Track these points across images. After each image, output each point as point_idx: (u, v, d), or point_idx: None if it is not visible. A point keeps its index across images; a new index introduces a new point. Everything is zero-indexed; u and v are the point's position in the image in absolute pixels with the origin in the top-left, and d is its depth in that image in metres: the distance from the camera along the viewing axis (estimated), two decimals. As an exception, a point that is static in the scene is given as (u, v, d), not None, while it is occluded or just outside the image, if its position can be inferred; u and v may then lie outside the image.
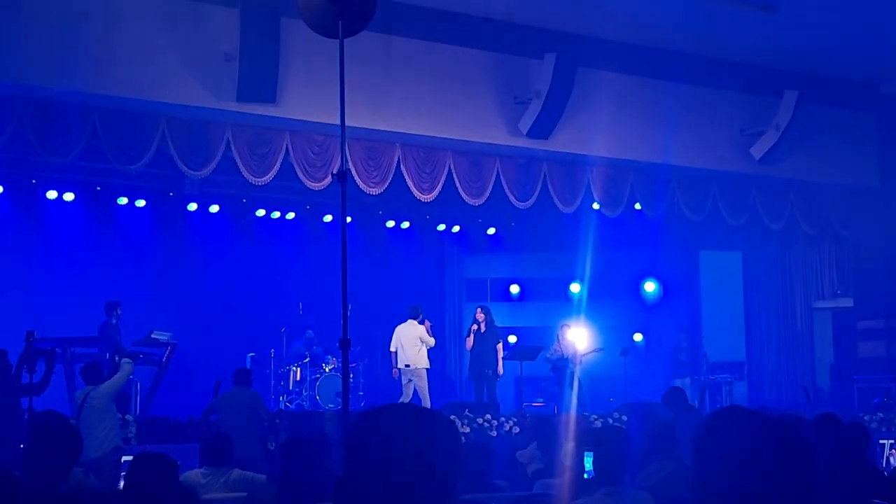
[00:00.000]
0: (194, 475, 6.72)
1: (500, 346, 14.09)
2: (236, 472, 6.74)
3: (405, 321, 13.66)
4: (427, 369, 13.54)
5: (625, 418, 12.66)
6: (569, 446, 6.87)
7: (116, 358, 10.05)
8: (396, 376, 13.55)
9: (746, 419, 2.07)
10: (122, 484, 8.32)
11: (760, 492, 1.97)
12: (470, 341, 14.32)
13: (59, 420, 4.84)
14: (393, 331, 13.70)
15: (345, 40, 6.27)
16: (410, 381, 13.29)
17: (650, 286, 17.82)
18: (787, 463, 2.00)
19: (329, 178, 11.70)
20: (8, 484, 2.61)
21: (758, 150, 14.53)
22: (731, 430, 2.06)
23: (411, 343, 13.44)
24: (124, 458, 9.13)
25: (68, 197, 14.02)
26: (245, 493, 6.42)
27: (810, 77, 14.56)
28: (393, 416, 1.85)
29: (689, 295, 18.00)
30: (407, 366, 13.34)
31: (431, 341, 13.67)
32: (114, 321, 12.27)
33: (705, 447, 2.07)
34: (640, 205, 14.63)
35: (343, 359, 5.71)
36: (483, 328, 14.17)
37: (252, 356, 14.89)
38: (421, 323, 13.70)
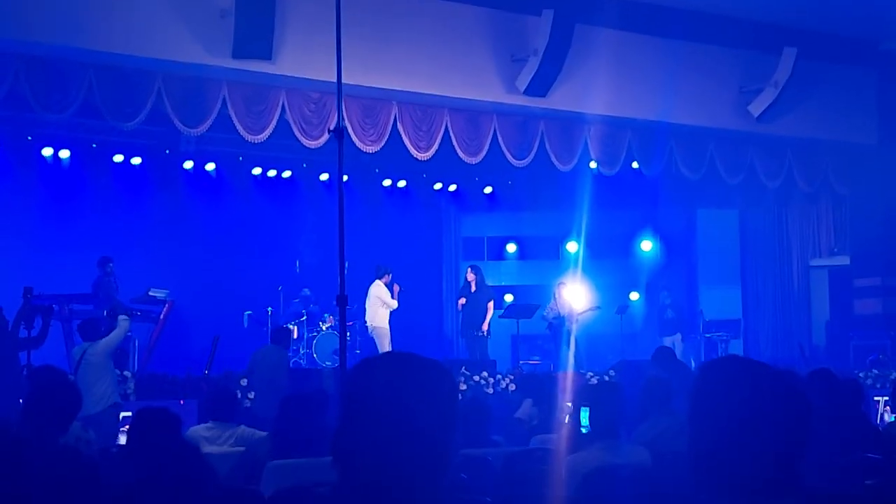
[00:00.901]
0: (200, 430, 6.75)
1: (490, 304, 14.15)
2: (242, 429, 6.76)
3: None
4: (383, 328, 13.59)
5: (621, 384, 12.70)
6: (566, 404, 6.92)
7: (114, 313, 10.07)
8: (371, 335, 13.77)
9: (744, 367, 2.08)
10: (120, 439, 8.41)
11: (755, 439, 1.99)
12: (462, 301, 14.40)
13: (58, 375, 4.89)
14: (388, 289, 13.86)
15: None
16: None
17: (647, 245, 17.84)
18: (783, 411, 2.02)
19: (325, 136, 11.67)
20: (7, 436, 2.63)
21: (756, 108, 14.48)
22: (728, 377, 2.07)
23: (371, 302, 13.60)
24: (122, 414, 9.19)
25: (64, 154, 13.98)
26: (243, 448, 6.46)
27: (809, 34, 14.47)
28: (389, 365, 1.86)
29: (685, 253, 18.05)
30: (367, 323, 13.60)
31: (392, 304, 13.72)
32: (108, 276, 12.28)
33: (702, 394, 2.08)
34: (638, 163, 14.61)
35: (340, 314, 5.75)
36: (473, 287, 14.23)
37: (249, 314, 14.94)
38: (389, 285, 13.80)
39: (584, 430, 4.98)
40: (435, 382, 1.85)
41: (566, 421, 6.78)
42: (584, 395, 5.20)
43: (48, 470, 2.83)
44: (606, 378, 12.64)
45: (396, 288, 13.96)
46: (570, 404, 7.56)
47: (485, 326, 14.02)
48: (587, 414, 4.96)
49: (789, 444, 2.02)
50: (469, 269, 14.61)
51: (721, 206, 17.53)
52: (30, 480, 2.66)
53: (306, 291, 15.24)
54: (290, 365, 13.63)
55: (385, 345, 13.51)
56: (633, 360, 13.13)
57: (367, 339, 15.08)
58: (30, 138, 13.47)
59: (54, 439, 4.36)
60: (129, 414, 8.85)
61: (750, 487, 1.99)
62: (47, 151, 13.85)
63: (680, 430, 5.62)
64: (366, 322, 13.75)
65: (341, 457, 1.82)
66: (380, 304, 13.57)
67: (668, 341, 15.31)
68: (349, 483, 1.84)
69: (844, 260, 16.84)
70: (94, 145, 13.91)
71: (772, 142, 15.21)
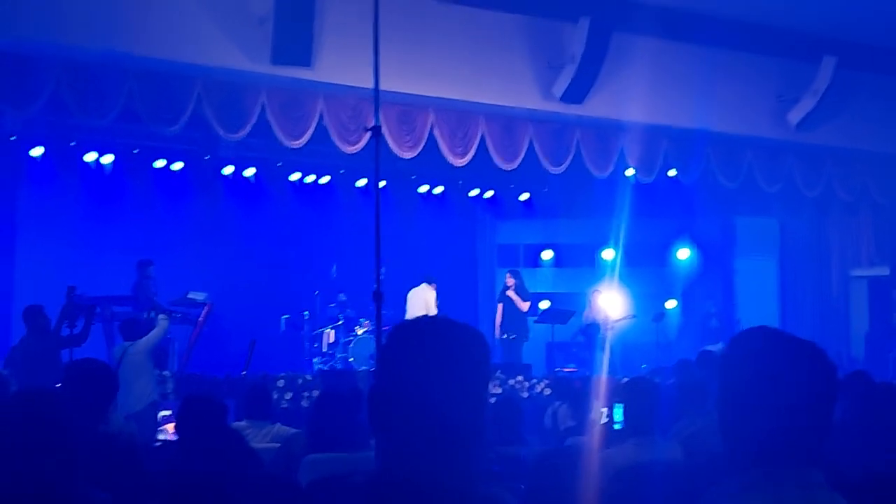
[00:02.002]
0: (237, 426, 6.84)
1: (526, 304, 14.21)
2: (277, 427, 6.84)
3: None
4: None
5: (657, 381, 12.67)
6: (599, 405, 6.93)
7: (153, 314, 10.22)
8: None
9: (772, 337, 2.11)
10: (160, 436, 8.54)
11: (781, 408, 2.01)
12: (501, 307, 14.46)
13: (93, 363, 4.96)
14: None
15: (379, 3, 6.33)
16: None
17: (684, 253, 17.75)
18: (810, 382, 2.04)
19: (363, 141, 11.77)
20: (54, 406, 2.70)
21: (794, 117, 14.39)
22: (756, 346, 2.10)
23: (416, 305, 13.67)
24: (161, 414, 9.32)
25: (106, 159, 14.20)
26: (278, 444, 6.53)
27: (849, 43, 14.36)
28: (424, 327, 1.90)
29: (723, 262, 17.94)
30: None
31: (435, 310, 13.80)
32: (147, 279, 12.45)
33: (731, 362, 2.11)
34: (675, 171, 14.57)
35: (376, 311, 5.80)
36: (513, 292, 14.32)
37: (286, 318, 15.06)
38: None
39: (617, 427, 4.99)
40: (468, 343, 1.89)
41: (600, 423, 6.80)
42: (618, 392, 5.21)
43: (91, 450, 2.91)
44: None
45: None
46: (604, 409, 7.58)
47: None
48: (621, 410, 4.97)
49: (816, 415, 2.04)
50: (508, 274, 14.67)
51: (759, 215, 17.41)
52: (74, 455, 2.72)
53: (342, 296, 15.33)
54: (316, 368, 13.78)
55: None
56: (669, 367, 13.05)
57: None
58: (73, 144, 13.69)
59: (94, 424, 4.44)
60: (168, 413, 8.99)
61: (776, 457, 2.02)
62: (90, 157, 14.07)
63: (714, 429, 5.62)
64: None
65: (377, 417, 1.87)
66: (424, 307, 13.66)
67: (710, 348, 15.22)
68: (383, 449, 1.88)
69: (884, 270, 16.66)
70: (135, 151, 14.11)
71: (811, 151, 15.10)
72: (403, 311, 14.55)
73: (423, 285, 13.89)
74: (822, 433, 2.06)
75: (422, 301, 13.79)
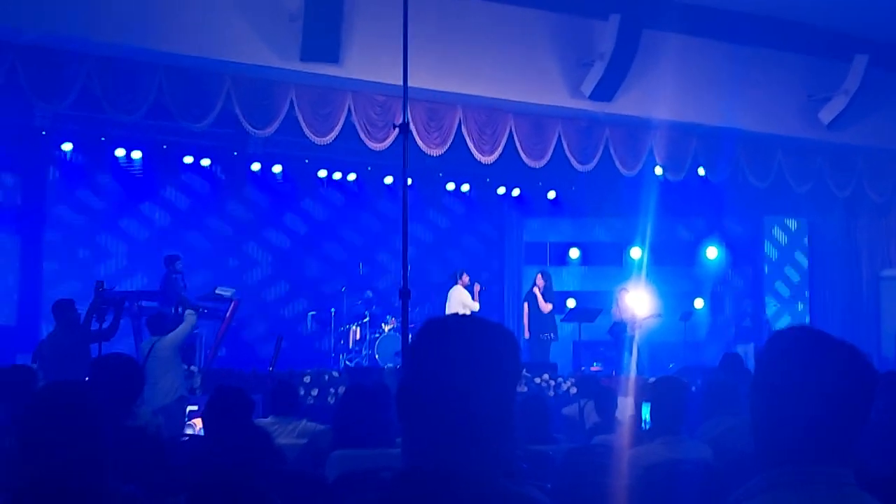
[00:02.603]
0: (263, 423, 6.85)
1: (549, 305, 14.20)
2: (304, 423, 6.85)
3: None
4: None
5: (685, 381, 12.61)
6: (627, 401, 6.89)
7: (180, 310, 10.26)
8: None
9: (811, 337, 2.08)
10: (187, 430, 8.57)
11: (817, 407, 1.99)
12: (527, 306, 14.45)
13: (119, 358, 4.99)
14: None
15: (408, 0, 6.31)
16: None
17: (712, 252, 17.64)
18: (848, 381, 2.01)
19: (391, 137, 11.77)
20: (83, 399, 2.71)
21: (826, 116, 14.25)
22: (795, 345, 2.07)
23: (453, 306, 13.72)
24: (189, 408, 9.35)
25: (136, 155, 14.30)
26: (306, 440, 6.54)
27: (881, 41, 14.20)
28: (454, 323, 1.89)
29: (752, 261, 17.81)
30: None
31: (473, 305, 13.81)
32: (175, 274, 12.53)
33: (768, 359, 2.08)
34: (704, 169, 14.47)
35: (403, 308, 5.79)
36: (541, 293, 14.30)
37: (313, 314, 15.10)
38: (469, 287, 13.92)
39: (645, 426, 4.96)
40: (497, 341, 1.87)
41: (625, 419, 6.76)
42: (646, 391, 5.18)
43: (119, 442, 2.91)
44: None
45: (477, 287, 14.11)
46: (631, 407, 7.53)
47: (525, 333, 14.05)
48: (648, 409, 4.94)
49: (850, 415, 2.02)
50: (539, 275, 14.65)
51: (789, 215, 17.27)
52: (103, 447, 2.73)
53: (369, 293, 15.36)
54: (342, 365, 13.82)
55: None
56: (700, 366, 12.99)
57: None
58: (103, 138, 13.79)
59: (122, 420, 4.46)
60: (196, 408, 9.03)
61: (807, 455, 2.00)
62: (120, 152, 14.18)
63: (745, 430, 5.57)
64: None
65: (406, 411, 1.86)
66: (461, 307, 13.70)
67: (741, 350, 15.14)
68: (410, 445, 1.87)
69: (915, 271, 16.48)
70: (164, 146, 14.20)
71: (842, 150, 14.96)
72: (430, 308, 14.57)
73: (455, 286, 13.95)
74: (855, 434, 2.03)
75: (456, 300, 13.82)
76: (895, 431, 5.02)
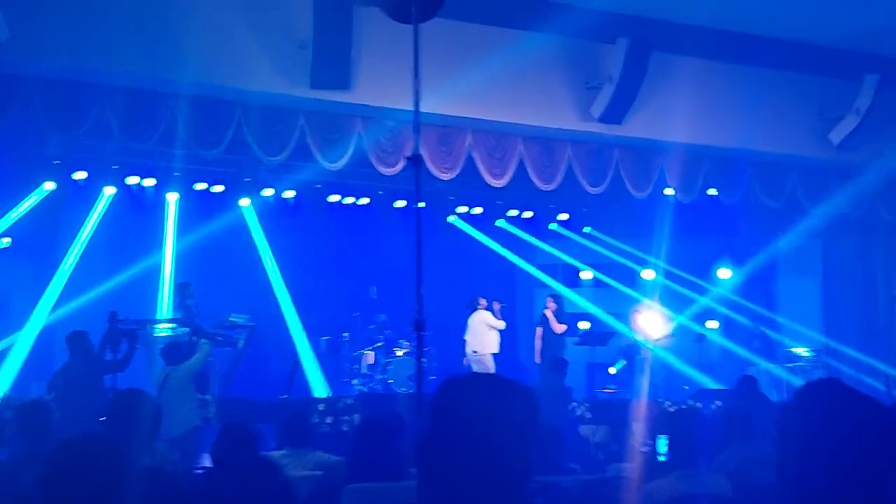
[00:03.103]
0: (275, 456, 6.84)
1: (562, 327, 14.20)
2: (318, 454, 6.85)
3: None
4: (487, 356, 13.78)
5: (699, 405, 12.57)
6: (637, 427, 6.86)
7: (194, 338, 10.27)
8: (466, 364, 13.89)
9: (844, 393, 2.06)
10: (202, 461, 8.56)
11: (847, 467, 1.96)
12: (540, 330, 14.46)
13: (138, 394, 4.99)
14: (464, 316, 14.06)
15: (418, 26, 6.32)
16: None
17: (725, 273, 17.58)
18: (879, 442, 1.99)
19: (401, 163, 11.80)
20: (101, 448, 2.72)
21: (837, 136, 14.23)
22: (826, 401, 2.05)
23: (478, 330, 13.84)
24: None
25: (149, 183, 14.33)
26: (321, 472, 6.53)
27: (891, 60, 14.19)
28: (476, 384, 1.89)
29: (765, 282, 17.73)
30: (474, 352, 13.72)
31: (499, 324, 13.91)
32: (188, 301, 12.54)
33: (797, 415, 2.06)
34: (716, 190, 14.45)
35: (417, 339, 5.76)
36: (552, 316, 14.33)
37: (326, 339, 15.10)
38: (488, 308, 13.98)
39: (661, 458, 4.93)
40: (517, 401, 1.88)
41: (642, 449, 6.73)
42: (662, 422, 5.15)
43: (137, 486, 2.91)
44: (685, 406, 12.48)
45: (497, 306, 14.18)
46: (641, 425, 7.50)
47: (537, 357, 14.07)
48: (665, 442, 4.91)
49: (880, 474, 1.99)
50: (550, 298, 14.67)
51: (802, 235, 17.20)
52: (122, 495, 2.73)
53: (382, 317, 15.36)
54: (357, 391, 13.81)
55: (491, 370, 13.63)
56: (712, 390, 12.93)
57: (443, 364, 15.17)
58: (115, 167, 13.83)
59: (139, 458, 4.45)
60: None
61: None
62: (132, 180, 14.21)
63: (761, 460, 5.53)
64: (472, 351, 13.95)
65: (424, 468, 1.86)
66: (487, 329, 13.83)
67: (752, 370, 15.07)
68: (429, 497, 1.87)
69: (931, 291, 16.38)
70: (176, 174, 14.22)
71: (855, 170, 14.91)
72: (443, 334, 14.57)
73: (479, 309, 14.07)
74: (884, 489, 2.01)
75: (479, 323, 13.93)
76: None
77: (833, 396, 2.06)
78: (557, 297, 14.64)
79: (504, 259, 17.74)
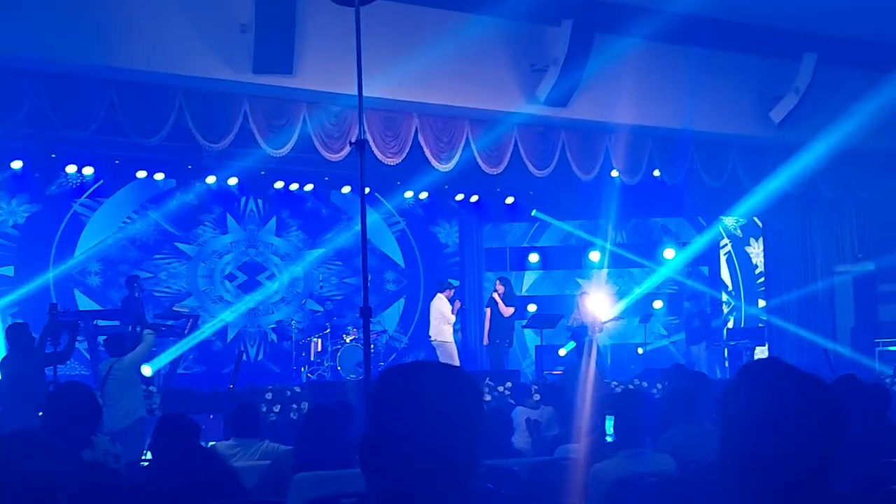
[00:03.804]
0: (223, 447, 6.78)
1: (511, 310, 14.24)
2: (266, 444, 6.79)
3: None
4: (447, 343, 13.72)
5: (645, 384, 12.70)
6: (585, 409, 6.91)
7: (138, 329, 10.13)
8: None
9: (784, 371, 2.07)
10: (147, 453, 8.45)
11: (787, 444, 1.98)
12: (489, 312, 14.48)
13: (76, 388, 4.90)
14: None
15: (360, 8, 6.26)
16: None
17: (670, 253, 17.77)
18: (817, 419, 2.00)
19: (347, 149, 11.71)
20: (31, 444, 2.65)
21: (777, 114, 14.40)
22: (766, 379, 2.06)
23: (433, 316, 13.77)
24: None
25: (88, 171, 14.10)
26: (269, 462, 6.47)
27: (830, 39, 14.38)
28: (415, 373, 1.87)
29: (708, 261, 17.96)
30: (431, 338, 13.72)
31: (450, 319, 13.83)
32: (136, 294, 12.38)
33: (736, 395, 2.07)
34: (660, 171, 14.56)
35: (364, 326, 5.75)
36: (501, 299, 14.34)
37: (273, 328, 15.00)
38: (451, 300, 13.93)
39: (608, 439, 4.96)
40: (460, 389, 1.86)
41: (589, 429, 6.77)
42: (608, 403, 5.18)
43: (73, 482, 2.85)
44: (631, 387, 12.60)
45: (457, 304, 14.13)
46: (588, 407, 7.55)
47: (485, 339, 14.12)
48: (612, 423, 4.94)
49: (822, 452, 2.01)
50: (498, 281, 14.68)
51: (744, 214, 17.43)
52: (55, 491, 2.67)
53: (329, 305, 15.30)
54: (305, 378, 13.75)
55: (452, 359, 13.55)
56: (658, 369, 13.07)
57: (390, 351, 15.15)
58: (53, 156, 13.58)
59: (77, 452, 4.38)
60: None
61: (779, 492, 1.99)
62: (71, 168, 13.97)
63: (705, 438, 5.60)
64: (429, 336, 13.92)
65: (369, 464, 1.84)
66: (442, 318, 13.74)
67: (694, 350, 15.26)
68: (376, 492, 1.85)
69: (869, 266, 16.71)
70: (116, 162, 14.01)
71: (794, 148, 15.12)
72: (389, 319, 14.50)
73: (438, 294, 13.99)
74: (826, 469, 2.03)
75: (437, 310, 13.85)
76: (856, 435, 5.06)
77: (773, 374, 2.07)
78: (505, 280, 14.68)
79: (452, 243, 17.74)
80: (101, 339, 10.53)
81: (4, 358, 9.25)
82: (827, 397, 2.04)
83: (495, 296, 14.43)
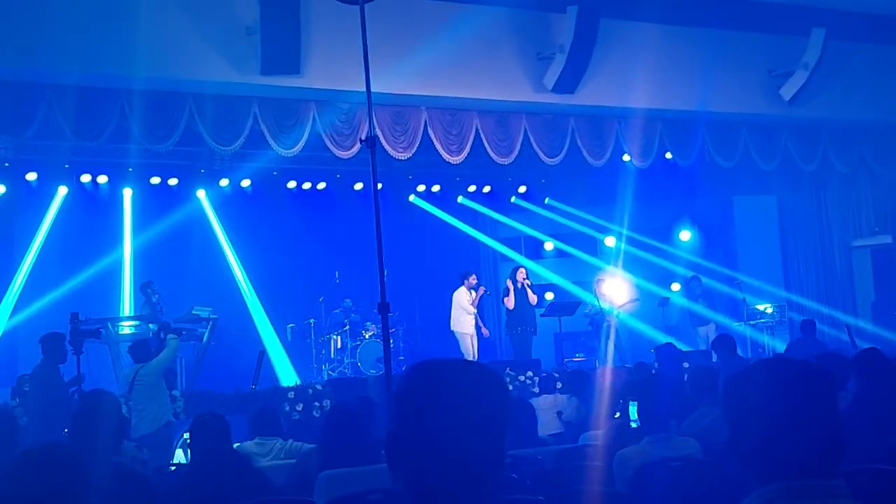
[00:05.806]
0: (249, 446, 6.85)
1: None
2: (290, 443, 6.85)
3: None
4: (467, 334, 13.73)
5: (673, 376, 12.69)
6: (607, 396, 6.92)
7: (162, 335, 10.17)
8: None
9: (776, 365, 2.14)
10: (174, 457, 8.52)
11: (791, 430, 2.03)
12: (511, 300, 14.38)
13: (102, 396, 4.95)
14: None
15: (364, 6, 6.27)
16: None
17: (685, 235, 17.72)
18: (816, 403, 2.07)
19: (357, 146, 11.73)
20: (62, 453, 2.68)
21: (787, 91, 14.32)
22: (758, 378, 2.13)
23: (454, 307, 13.79)
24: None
25: (102, 179, 14.17)
26: (294, 461, 6.52)
27: (838, 13, 14.28)
28: (441, 368, 1.87)
29: (725, 241, 17.91)
30: (452, 330, 13.77)
31: (469, 309, 13.81)
32: (153, 299, 12.42)
33: (736, 392, 2.14)
34: (671, 153, 14.52)
35: (383, 322, 5.77)
36: (520, 287, 14.29)
37: (292, 327, 15.04)
38: (474, 288, 13.93)
39: (633, 425, 4.97)
40: (487, 385, 1.86)
41: (615, 416, 6.78)
42: (632, 389, 5.19)
43: (103, 490, 2.89)
44: (653, 371, 12.57)
45: (482, 290, 14.09)
46: (608, 393, 7.56)
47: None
48: (636, 408, 4.95)
49: (828, 435, 2.07)
50: (521, 269, 14.57)
51: (758, 193, 17.37)
52: (86, 498, 2.70)
53: (347, 302, 15.33)
54: (326, 375, 13.79)
55: (469, 350, 13.57)
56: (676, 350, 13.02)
57: (410, 345, 15.17)
58: (67, 165, 13.65)
59: (106, 460, 4.42)
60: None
61: (793, 473, 2.04)
62: (85, 178, 14.04)
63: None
64: (452, 329, 13.96)
65: (395, 461, 1.85)
66: (461, 310, 13.77)
67: (702, 331, 15.21)
68: (404, 488, 1.86)
69: (886, 239, 16.63)
70: (130, 169, 14.06)
71: (805, 125, 15.05)
72: (409, 314, 14.51)
73: (462, 286, 14.01)
74: (837, 444, 2.08)
75: (456, 302, 13.90)
76: (873, 412, 5.06)
77: (762, 374, 2.15)
78: (523, 269, 14.62)
79: (466, 235, 17.74)
80: (124, 345, 10.57)
81: (36, 368, 9.30)
82: (816, 375, 2.10)
83: (525, 283, 14.22)
